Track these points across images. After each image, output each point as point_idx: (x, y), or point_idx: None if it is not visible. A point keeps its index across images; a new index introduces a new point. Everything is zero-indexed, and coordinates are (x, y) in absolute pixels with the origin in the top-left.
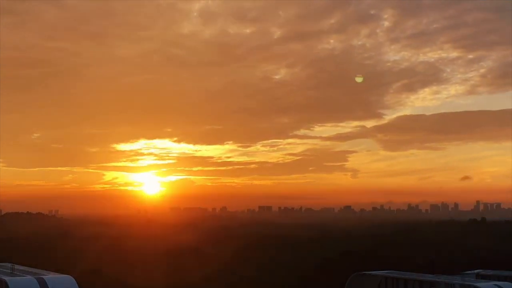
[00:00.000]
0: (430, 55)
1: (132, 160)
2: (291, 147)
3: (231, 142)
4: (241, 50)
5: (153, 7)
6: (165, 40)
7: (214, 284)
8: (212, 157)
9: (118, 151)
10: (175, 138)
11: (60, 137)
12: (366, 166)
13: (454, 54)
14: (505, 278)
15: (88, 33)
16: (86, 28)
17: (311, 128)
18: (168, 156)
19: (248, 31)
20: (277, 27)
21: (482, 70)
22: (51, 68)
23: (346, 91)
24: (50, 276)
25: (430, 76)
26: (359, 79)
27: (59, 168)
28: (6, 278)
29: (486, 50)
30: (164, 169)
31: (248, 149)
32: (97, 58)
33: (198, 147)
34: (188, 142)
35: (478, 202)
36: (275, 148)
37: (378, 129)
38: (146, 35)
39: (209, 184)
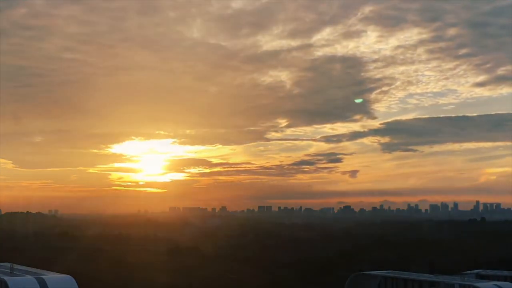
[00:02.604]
0: (409, 65)
1: (133, 161)
2: (288, 148)
3: (227, 144)
4: (234, 61)
5: (160, 23)
6: (169, 52)
7: (214, 284)
8: (211, 158)
9: (119, 152)
10: (175, 140)
11: (64, 139)
12: (364, 166)
13: (431, 64)
14: (505, 278)
15: (100, 45)
16: (100, 41)
17: (302, 130)
18: (169, 157)
19: (240, 44)
20: (268, 39)
21: (458, 79)
22: (62, 77)
23: (332, 97)
24: (50, 276)
25: (411, 83)
26: (358, 101)
27: (62, 169)
28: (6, 278)
29: (460, 62)
30: (165, 170)
31: (246, 150)
32: (106, 68)
33: (196, 147)
34: (188, 144)
35: (478, 202)
36: (272, 149)
37: (373, 132)
38: (153, 48)
39: (209, 184)
